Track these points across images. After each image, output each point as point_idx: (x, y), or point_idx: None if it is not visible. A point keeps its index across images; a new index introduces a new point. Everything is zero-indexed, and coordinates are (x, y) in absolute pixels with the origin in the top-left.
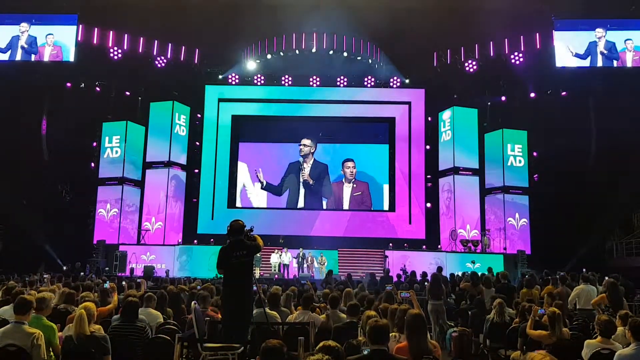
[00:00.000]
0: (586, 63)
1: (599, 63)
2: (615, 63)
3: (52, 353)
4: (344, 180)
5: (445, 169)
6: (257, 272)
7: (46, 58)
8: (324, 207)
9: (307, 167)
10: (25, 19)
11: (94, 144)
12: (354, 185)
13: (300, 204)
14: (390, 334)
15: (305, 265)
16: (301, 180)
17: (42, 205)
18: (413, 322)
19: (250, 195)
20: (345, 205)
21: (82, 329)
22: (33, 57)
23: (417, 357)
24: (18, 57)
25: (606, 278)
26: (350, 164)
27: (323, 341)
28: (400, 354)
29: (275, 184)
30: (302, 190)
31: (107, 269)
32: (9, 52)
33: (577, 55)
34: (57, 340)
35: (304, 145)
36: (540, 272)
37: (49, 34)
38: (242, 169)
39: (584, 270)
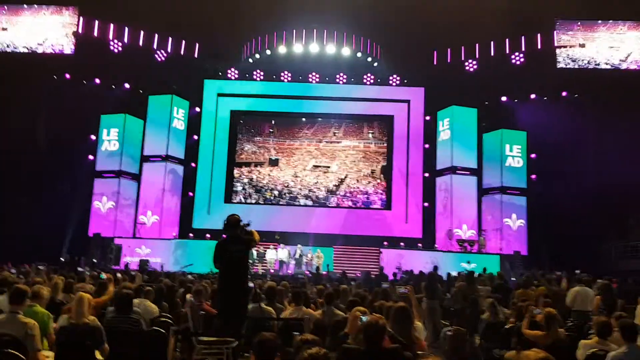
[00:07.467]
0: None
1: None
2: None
3: (46, 342)
4: None
5: (443, 168)
6: (259, 269)
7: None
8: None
9: None
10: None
11: (92, 136)
12: None
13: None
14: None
15: (304, 262)
16: None
17: (39, 196)
18: (397, 313)
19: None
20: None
21: (82, 313)
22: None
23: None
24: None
25: (598, 281)
26: None
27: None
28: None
29: None
30: None
31: (100, 262)
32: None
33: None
34: (51, 329)
35: None
36: (536, 273)
37: None
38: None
39: (578, 271)
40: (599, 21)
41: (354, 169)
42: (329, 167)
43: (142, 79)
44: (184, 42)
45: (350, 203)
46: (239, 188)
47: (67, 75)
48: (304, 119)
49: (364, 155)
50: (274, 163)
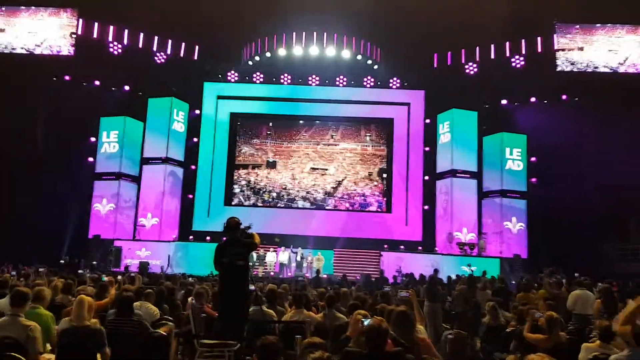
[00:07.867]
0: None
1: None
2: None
3: (48, 344)
4: None
5: (443, 171)
6: (259, 271)
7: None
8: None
9: None
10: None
11: (92, 138)
12: None
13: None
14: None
15: (304, 265)
16: None
17: (39, 198)
18: (398, 317)
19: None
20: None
21: (82, 316)
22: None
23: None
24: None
25: (599, 284)
26: None
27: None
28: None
29: None
30: None
31: (100, 264)
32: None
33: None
34: (54, 331)
35: None
36: (536, 277)
37: None
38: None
39: (577, 274)
40: (598, 25)
41: (351, 171)
42: (326, 169)
43: (141, 81)
44: (183, 44)
45: (347, 205)
46: (237, 190)
47: (67, 77)
48: (301, 122)
49: (362, 158)
50: (271, 165)
